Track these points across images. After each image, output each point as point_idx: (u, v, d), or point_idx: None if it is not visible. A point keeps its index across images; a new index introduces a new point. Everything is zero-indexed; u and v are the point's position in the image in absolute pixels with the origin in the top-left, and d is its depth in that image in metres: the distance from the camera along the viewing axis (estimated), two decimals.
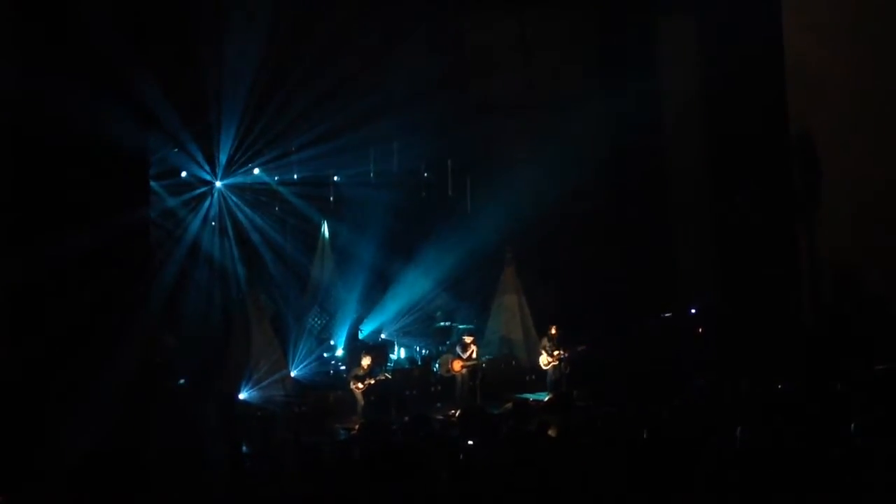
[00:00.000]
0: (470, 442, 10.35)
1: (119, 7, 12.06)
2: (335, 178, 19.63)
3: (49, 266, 11.18)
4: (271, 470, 9.78)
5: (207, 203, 18.17)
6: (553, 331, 17.55)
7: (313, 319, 18.93)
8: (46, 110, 11.24)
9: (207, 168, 17.90)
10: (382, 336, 19.45)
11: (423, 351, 19.22)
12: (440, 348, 19.00)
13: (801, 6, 17.22)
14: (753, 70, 17.75)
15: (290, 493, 8.62)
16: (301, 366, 17.90)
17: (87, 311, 11.20)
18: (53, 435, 10.72)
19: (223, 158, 17.90)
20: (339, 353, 18.91)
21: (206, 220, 18.15)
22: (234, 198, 18.45)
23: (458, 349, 17.82)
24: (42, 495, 9.31)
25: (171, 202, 17.54)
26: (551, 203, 19.09)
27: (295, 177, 19.05)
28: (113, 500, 8.64)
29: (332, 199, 19.67)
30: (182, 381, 15.64)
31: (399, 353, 19.25)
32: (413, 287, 19.64)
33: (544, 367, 17.55)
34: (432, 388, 18.07)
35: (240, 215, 18.51)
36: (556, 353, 17.36)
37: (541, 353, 17.64)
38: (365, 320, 19.35)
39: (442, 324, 19.57)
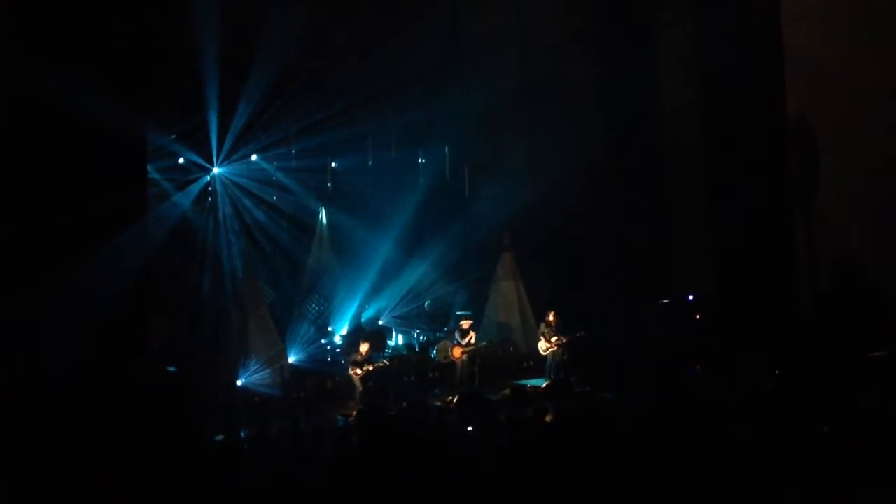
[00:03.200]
0: (468, 428, 10.37)
1: None
2: (333, 164, 19.61)
3: (43, 251, 11.15)
4: (269, 456, 9.79)
5: (205, 189, 18.15)
6: (551, 317, 17.54)
7: (311, 306, 18.96)
8: (44, 92, 11.20)
9: (206, 154, 17.88)
10: (380, 322, 19.48)
11: (421, 337, 19.26)
12: (438, 334, 19.03)
13: None
14: (752, 59, 17.73)
15: (289, 480, 8.63)
16: (299, 352, 17.94)
17: (81, 295, 11.19)
18: (46, 421, 10.72)
19: (221, 145, 17.87)
20: (337, 339, 18.94)
21: (203, 206, 18.13)
22: (231, 184, 18.42)
23: (457, 335, 17.84)
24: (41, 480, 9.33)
25: (169, 188, 17.51)
26: (549, 189, 19.09)
27: (293, 163, 19.03)
28: (111, 484, 8.66)
29: (329, 185, 19.65)
30: (172, 368, 15.60)
31: (397, 340, 19.29)
32: (411, 273, 19.67)
33: (542, 354, 17.56)
34: (430, 375, 18.10)
35: (238, 202, 18.49)
36: (554, 339, 17.37)
37: (539, 340, 17.65)
38: (364, 307, 19.38)
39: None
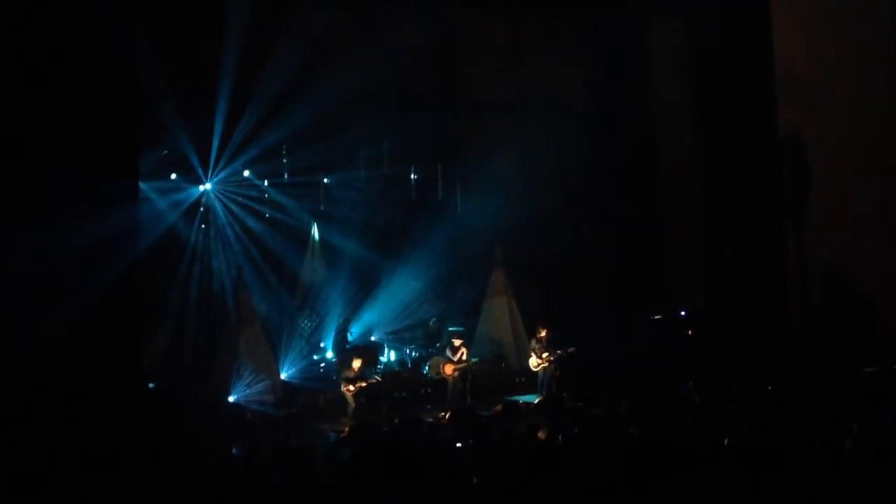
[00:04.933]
0: (459, 444, 10.34)
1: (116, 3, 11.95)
2: (325, 180, 19.58)
3: (34, 266, 11.07)
4: (261, 473, 9.74)
5: (197, 205, 18.12)
6: (543, 333, 17.47)
7: (303, 322, 18.90)
8: (39, 104, 11.15)
9: (197, 169, 17.84)
10: (373, 338, 19.43)
11: (414, 353, 19.20)
12: (430, 350, 18.98)
13: (790, 10, 17.30)
14: (743, 73, 17.84)
15: (280, 496, 8.59)
16: (291, 368, 17.87)
17: (74, 310, 11.12)
18: (44, 435, 10.63)
19: (212, 160, 17.84)
20: (329, 355, 18.88)
21: (195, 221, 18.09)
22: (223, 199, 18.39)
23: (448, 352, 17.79)
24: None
25: (160, 203, 17.47)
26: (541, 204, 19.11)
27: (285, 179, 19.00)
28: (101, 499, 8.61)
29: (322, 201, 19.61)
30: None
31: (389, 356, 19.23)
32: (403, 289, 19.63)
33: (534, 370, 17.50)
34: (423, 391, 18.05)
35: (229, 217, 18.46)
36: (545, 355, 17.31)
37: (530, 356, 17.61)
38: (354, 322, 19.31)
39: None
